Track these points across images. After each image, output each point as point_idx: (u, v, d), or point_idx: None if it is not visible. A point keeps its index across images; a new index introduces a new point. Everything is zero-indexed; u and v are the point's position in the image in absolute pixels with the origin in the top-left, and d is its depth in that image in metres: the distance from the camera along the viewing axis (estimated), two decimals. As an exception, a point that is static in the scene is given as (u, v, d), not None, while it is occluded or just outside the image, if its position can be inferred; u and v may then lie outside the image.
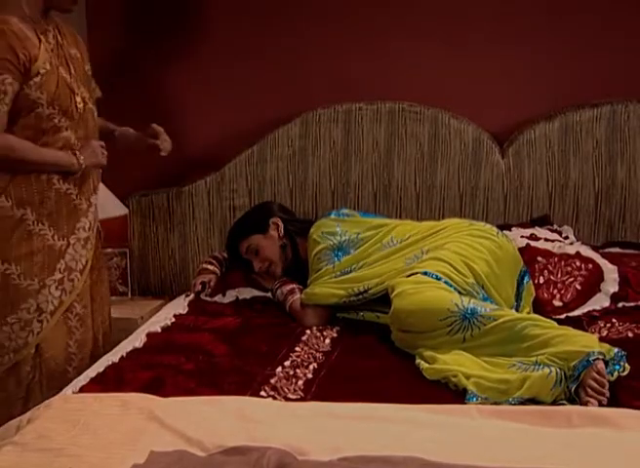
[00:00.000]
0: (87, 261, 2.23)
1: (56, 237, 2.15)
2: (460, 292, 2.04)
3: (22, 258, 2.10)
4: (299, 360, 1.99)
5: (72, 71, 2.17)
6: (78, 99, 2.17)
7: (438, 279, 2.06)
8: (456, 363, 1.86)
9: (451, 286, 2.05)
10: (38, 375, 2.17)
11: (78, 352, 2.23)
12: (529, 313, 2.22)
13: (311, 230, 2.47)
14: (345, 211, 2.57)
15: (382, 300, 2.20)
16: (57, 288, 2.15)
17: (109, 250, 2.83)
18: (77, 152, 2.16)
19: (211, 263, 2.66)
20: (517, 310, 2.22)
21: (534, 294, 2.32)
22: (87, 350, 2.25)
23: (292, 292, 2.39)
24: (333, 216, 2.50)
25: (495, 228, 2.37)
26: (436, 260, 2.15)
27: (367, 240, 2.41)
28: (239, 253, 2.58)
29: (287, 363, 1.96)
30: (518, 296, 2.27)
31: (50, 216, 2.14)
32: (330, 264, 2.38)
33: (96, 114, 2.29)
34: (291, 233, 2.55)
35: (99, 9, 2.99)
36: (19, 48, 2.00)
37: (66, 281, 2.17)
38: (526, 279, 2.31)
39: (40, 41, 2.07)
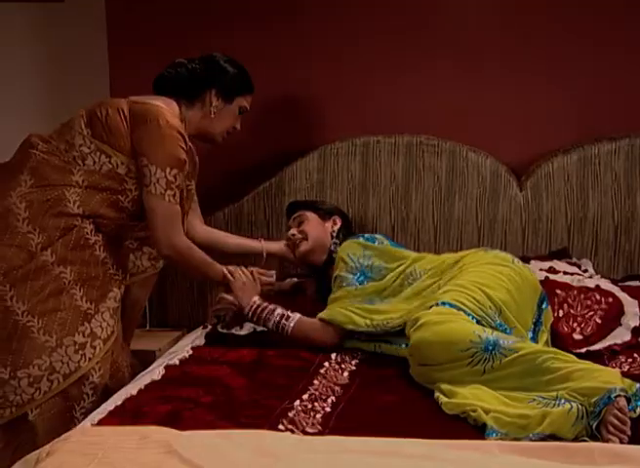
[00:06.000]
0: (112, 332, 2.23)
1: (84, 299, 2.16)
2: (478, 322, 2.04)
3: (47, 314, 2.09)
4: (317, 393, 1.98)
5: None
6: None
7: (457, 309, 2.05)
8: (475, 397, 1.84)
9: (469, 315, 2.05)
10: (32, 435, 2.10)
11: (83, 418, 2.12)
12: (547, 340, 2.22)
13: (340, 247, 2.49)
14: (379, 236, 2.57)
15: (399, 333, 2.19)
16: (76, 351, 2.12)
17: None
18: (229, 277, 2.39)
19: (227, 292, 2.66)
20: (536, 335, 2.20)
21: (552, 319, 2.30)
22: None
23: (285, 315, 2.31)
24: (362, 241, 2.49)
25: (509, 255, 2.36)
26: (454, 291, 2.14)
27: (390, 270, 2.41)
28: (289, 219, 2.68)
29: (305, 396, 1.95)
30: (537, 321, 2.25)
31: (84, 280, 2.16)
32: (352, 286, 2.38)
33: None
34: (340, 239, 2.57)
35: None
36: (186, 153, 2.21)
37: (88, 347, 2.15)
38: (544, 305, 2.29)
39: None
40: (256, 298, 2.37)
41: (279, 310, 2.34)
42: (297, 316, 2.33)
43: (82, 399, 2.16)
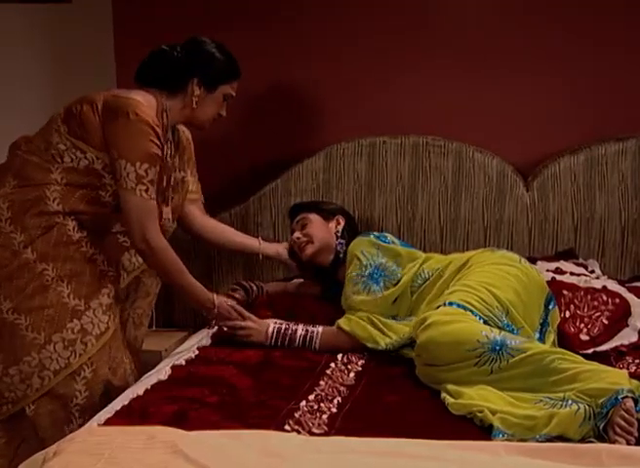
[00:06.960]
0: (107, 328, 2.21)
1: (72, 296, 2.15)
2: (485, 322, 2.03)
3: (33, 311, 2.10)
4: (323, 394, 1.98)
5: (165, 182, 2.29)
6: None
7: (465, 309, 2.05)
8: (481, 398, 1.84)
9: (476, 315, 2.04)
10: (33, 431, 2.13)
11: (79, 416, 2.14)
12: (554, 341, 2.21)
13: (351, 245, 2.47)
14: (388, 235, 2.57)
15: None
16: (65, 348, 2.12)
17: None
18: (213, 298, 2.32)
19: (235, 290, 2.66)
20: (543, 335, 2.20)
21: (559, 320, 2.30)
22: (91, 414, 2.04)
23: (309, 332, 2.32)
24: (373, 239, 2.48)
25: (516, 255, 2.36)
26: (461, 291, 2.14)
27: (404, 273, 2.40)
28: (292, 222, 2.65)
29: (311, 397, 1.95)
30: (545, 321, 2.24)
31: (70, 276, 2.15)
32: (371, 295, 2.35)
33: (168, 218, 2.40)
34: (345, 238, 2.56)
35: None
36: (160, 147, 2.15)
37: (79, 343, 2.14)
38: (551, 305, 2.29)
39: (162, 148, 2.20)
40: (271, 328, 2.34)
41: (300, 330, 2.32)
42: (319, 329, 2.31)
43: (74, 395, 2.15)
